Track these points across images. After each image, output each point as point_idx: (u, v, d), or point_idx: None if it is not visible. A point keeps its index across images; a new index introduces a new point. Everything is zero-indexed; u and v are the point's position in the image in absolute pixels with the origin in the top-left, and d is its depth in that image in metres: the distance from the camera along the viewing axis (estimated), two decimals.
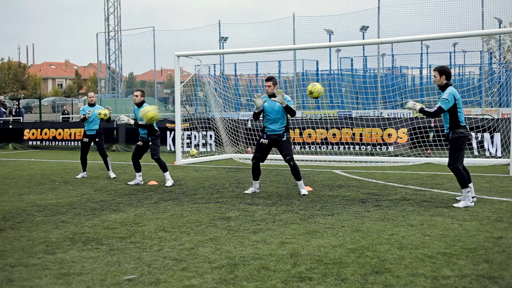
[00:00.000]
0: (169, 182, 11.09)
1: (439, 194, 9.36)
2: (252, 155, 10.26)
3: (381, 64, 33.44)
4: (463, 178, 8.29)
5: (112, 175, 12.56)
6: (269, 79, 9.71)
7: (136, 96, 11.40)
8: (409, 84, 32.17)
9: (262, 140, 9.74)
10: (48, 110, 54.99)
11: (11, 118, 35.42)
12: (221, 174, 13.04)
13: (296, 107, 29.23)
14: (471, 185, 8.44)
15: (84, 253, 5.88)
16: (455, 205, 8.27)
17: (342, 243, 6.12)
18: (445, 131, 8.55)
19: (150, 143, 11.30)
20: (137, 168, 11.48)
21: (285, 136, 9.62)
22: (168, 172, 11.21)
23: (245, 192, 9.95)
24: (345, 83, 29.62)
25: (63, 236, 6.68)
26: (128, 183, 11.49)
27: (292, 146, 9.91)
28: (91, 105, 12.91)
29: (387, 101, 23.53)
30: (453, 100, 8.24)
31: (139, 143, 11.43)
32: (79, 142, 21.73)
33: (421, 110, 8.42)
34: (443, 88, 8.41)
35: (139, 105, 11.29)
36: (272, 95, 9.58)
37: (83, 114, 12.75)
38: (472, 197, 8.40)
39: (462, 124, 8.31)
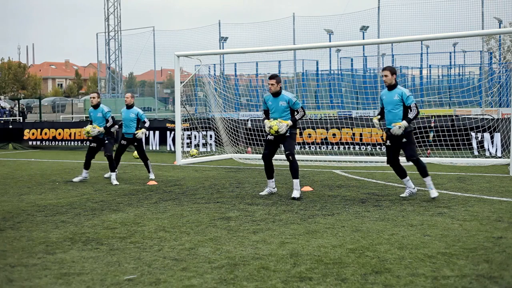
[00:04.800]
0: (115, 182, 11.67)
1: (439, 194, 9.35)
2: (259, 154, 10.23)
3: (381, 64, 33.38)
4: (424, 167, 8.94)
5: (152, 176, 12.23)
6: (273, 77, 9.46)
7: (94, 98, 11.87)
8: (409, 84, 32.17)
9: (268, 136, 9.62)
10: (48, 110, 55.00)
11: (10, 118, 35.42)
12: (221, 174, 13.04)
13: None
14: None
15: (84, 253, 5.88)
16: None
17: (342, 243, 6.12)
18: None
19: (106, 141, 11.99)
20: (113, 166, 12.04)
21: (288, 132, 9.39)
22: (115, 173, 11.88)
23: (260, 193, 9.78)
24: (345, 83, 29.60)
25: (63, 236, 6.67)
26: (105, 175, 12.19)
27: (296, 142, 9.85)
28: (128, 107, 12.23)
29: None
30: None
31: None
32: (80, 142, 21.89)
33: (409, 121, 8.88)
34: (393, 87, 9.04)
35: (96, 107, 11.86)
36: (275, 94, 9.42)
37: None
38: None
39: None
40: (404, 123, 8.80)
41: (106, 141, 11.88)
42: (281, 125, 9.28)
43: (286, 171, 13.09)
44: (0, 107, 41.15)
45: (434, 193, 8.91)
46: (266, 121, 9.53)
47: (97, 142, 11.99)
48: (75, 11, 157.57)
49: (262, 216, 7.70)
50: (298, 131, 17.23)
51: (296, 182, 9.36)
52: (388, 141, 9.14)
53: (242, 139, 17.33)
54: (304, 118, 9.69)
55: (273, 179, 9.76)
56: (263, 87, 34.42)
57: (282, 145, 9.59)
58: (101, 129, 11.74)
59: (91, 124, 11.94)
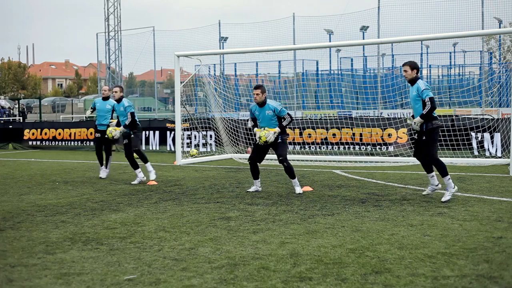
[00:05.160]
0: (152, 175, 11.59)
1: (439, 194, 9.36)
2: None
3: (381, 64, 33.43)
4: (443, 166, 8.82)
5: (103, 173, 12.60)
6: (258, 87, 9.77)
7: (116, 92, 11.57)
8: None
9: (258, 142, 9.82)
10: (48, 110, 55.01)
11: (10, 118, 35.38)
12: (221, 174, 13.04)
13: (296, 107, 29.30)
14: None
15: (84, 253, 5.88)
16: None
17: (342, 243, 6.12)
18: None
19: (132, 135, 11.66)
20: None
21: (280, 139, 9.71)
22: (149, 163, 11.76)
23: (248, 190, 10.08)
24: (345, 83, 29.61)
25: (63, 236, 6.68)
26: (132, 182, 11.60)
27: (288, 146, 10.16)
28: (105, 98, 12.82)
29: (387, 101, 23.52)
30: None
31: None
32: (80, 142, 21.90)
33: (423, 117, 8.65)
34: (413, 82, 8.85)
35: (118, 101, 11.62)
36: (261, 104, 9.70)
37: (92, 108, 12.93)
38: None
39: (435, 115, 8.80)
40: (418, 119, 8.75)
41: (132, 135, 11.54)
42: (268, 134, 9.62)
43: None
44: (0, 107, 41.14)
45: (446, 196, 8.73)
46: (255, 130, 9.85)
47: (101, 133, 12.24)
48: (75, 11, 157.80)
49: (262, 216, 7.70)
50: (298, 131, 17.36)
51: (294, 181, 9.87)
52: (415, 134, 9.13)
53: (242, 139, 17.34)
54: (291, 123, 10.08)
55: (259, 179, 10.14)
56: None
57: (274, 151, 9.93)
58: (121, 128, 11.48)
59: (117, 124, 11.84)
